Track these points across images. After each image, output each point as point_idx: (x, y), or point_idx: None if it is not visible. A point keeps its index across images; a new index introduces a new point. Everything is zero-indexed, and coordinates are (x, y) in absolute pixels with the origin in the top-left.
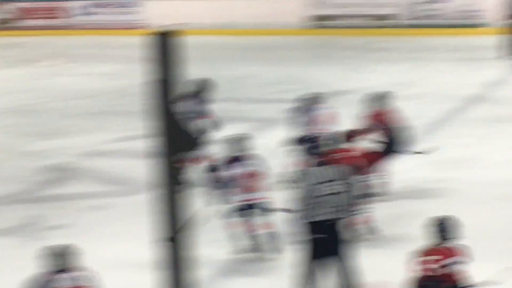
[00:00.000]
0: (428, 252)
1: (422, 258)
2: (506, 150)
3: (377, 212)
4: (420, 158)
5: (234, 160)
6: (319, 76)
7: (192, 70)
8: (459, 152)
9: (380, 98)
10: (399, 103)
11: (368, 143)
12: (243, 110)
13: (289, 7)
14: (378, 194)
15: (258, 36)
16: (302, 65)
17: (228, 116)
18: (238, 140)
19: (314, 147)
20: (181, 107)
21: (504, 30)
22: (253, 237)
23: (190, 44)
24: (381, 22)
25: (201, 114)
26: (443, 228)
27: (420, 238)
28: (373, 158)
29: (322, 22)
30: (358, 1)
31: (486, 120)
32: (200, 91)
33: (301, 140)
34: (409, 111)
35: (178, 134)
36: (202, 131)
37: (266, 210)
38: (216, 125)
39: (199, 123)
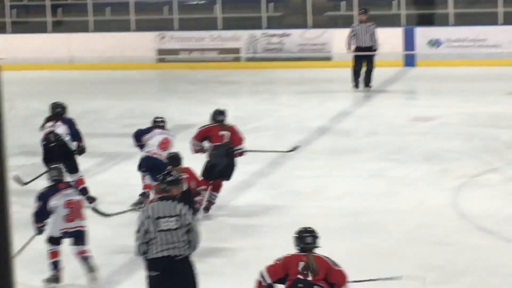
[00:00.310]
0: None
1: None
2: (352, 181)
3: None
4: (265, 190)
5: (55, 189)
6: (164, 110)
7: (35, 105)
8: (305, 184)
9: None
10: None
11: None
12: (87, 145)
13: (135, 40)
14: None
15: (102, 70)
16: (147, 99)
17: None
18: (56, 170)
19: (158, 175)
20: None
21: (351, 63)
22: (83, 263)
23: (32, 79)
24: (225, 56)
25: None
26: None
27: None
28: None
29: (167, 56)
30: (202, 35)
31: (331, 152)
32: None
33: (143, 165)
34: (254, 144)
35: None
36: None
37: (83, 238)
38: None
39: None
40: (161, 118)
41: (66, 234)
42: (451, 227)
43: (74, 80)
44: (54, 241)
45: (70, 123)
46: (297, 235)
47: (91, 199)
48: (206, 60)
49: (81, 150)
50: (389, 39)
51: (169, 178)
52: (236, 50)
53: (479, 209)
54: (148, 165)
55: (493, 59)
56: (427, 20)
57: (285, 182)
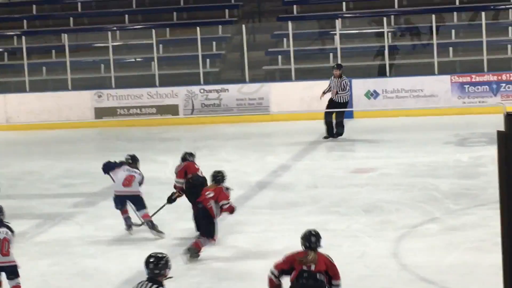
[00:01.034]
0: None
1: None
2: (293, 235)
3: None
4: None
5: None
6: None
7: None
8: (247, 239)
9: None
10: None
11: None
12: (24, 207)
13: (72, 99)
14: None
15: (39, 130)
16: (85, 159)
17: (9, 214)
18: None
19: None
20: None
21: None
22: None
23: None
24: (163, 113)
25: None
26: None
27: None
28: None
29: (105, 114)
30: (139, 92)
31: (271, 207)
32: None
33: (116, 205)
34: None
35: None
36: None
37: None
38: None
39: None
40: (130, 155)
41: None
42: (393, 278)
43: (11, 141)
44: None
45: None
46: (303, 236)
47: None
48: (144, 117)
49: None
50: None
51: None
52: (174, 107)
53: (420, 259)
54: (120, 203)
55: (430, 109)
56: (364, 72)
57: (227, 238)
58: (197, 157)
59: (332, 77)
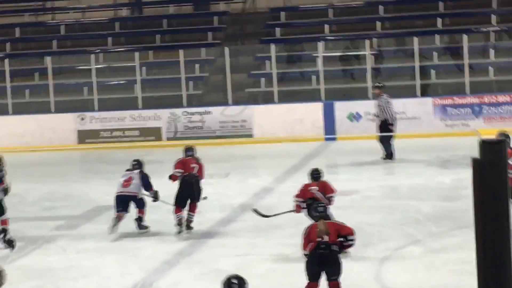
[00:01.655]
0: None
1: None
2: (275, 258)
3: None
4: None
5: None
6: (86, 192)
7: None
8: (228, 262)
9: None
10: (160, 216)
11: None
12: (12, 229)
13: (55, 122)
14: None
15: (22, 153)
16: (68, 181)
17: None
18: None
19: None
20: None
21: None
22: None
23: None
24: (146, 136)
25: None
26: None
27: None
28: None
29: (88, 137)
30: (122, 115)
31: (253, 230)
32: None
33: (117, 204)
34: (172, 224)
35: None
36: None
37: None
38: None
39: None
40: (136, 160)
41: None
42: None
43: None
44: None
45: None
46: (312, 206)
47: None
48: (127, 140)
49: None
50: (309, 114)
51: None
52: (157, 129)
53: (402, 282)
54: (119, 203)
55: (412, 131)
56: (346, 94)
57: (209, 260)
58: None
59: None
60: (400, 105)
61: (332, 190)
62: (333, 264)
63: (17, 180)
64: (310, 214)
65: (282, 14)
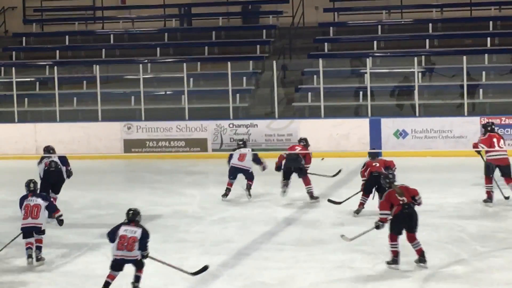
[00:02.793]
0: None
1: None
2: (318, 272)
3: None
4: (232, 281)
5: None
6: (131, 201)
7: (1, 195)
8: (272, 275)
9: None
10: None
11: None
12: (51, 236)
13: (101, 130)
14: None
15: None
16: (113, 190)
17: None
18: None
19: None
20: None
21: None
22: None
23: None
24: (192, 146)
25: None
26: None
27: None
28: None
29: (134, 146)
30: (168, 125)
31: (297, 243)
32: None
33: (230, 174)
34: (218, 236)
35: None
36: None
37: None
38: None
39: None
40: (242, 140)
41: None
42: None
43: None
44: None
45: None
46: (383, 177)
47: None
48: (173, 150)
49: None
50: (355, 129)
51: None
52: (203, 141)
53: None
54: (233, 173)
55: (459, 150)
56: (393, 111)
57: (252, 273)
58: (224, 191)
59: None
60: (447, 124)
61: (393, 164)
62: (414, 220)
63: (63, 187)
64: (382, 183)
65: (331, 29)
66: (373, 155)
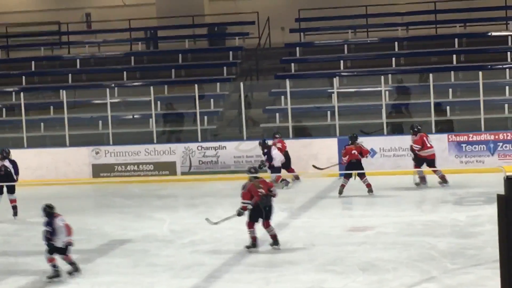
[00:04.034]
0: None
1: None
2: None
3: None
4: None
5: None
6: (100, 226)
7: None
8: None
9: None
10: (174, 250)
11: None
12: (20, 263)
13: (69, 156)
14: None
15: (37, 186)
16: (83, 215)
17: (4, 270)
18: None
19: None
20: None
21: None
22: None
23: None
24: (160, 170)
25: None
26: None
27: None
28: None
29: (103, 171)
30: (137, 149)
31: (268, 265)
32: None
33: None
34: (188, 259)
35: None
36: None
37: None
38: None
39: None
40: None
41: None
42: None
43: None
44: None
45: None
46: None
47: None
48: (141, 174)
49: None
50: (324, 149)
51: None
52: (171, 164)
53: None
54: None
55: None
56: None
57: None
58: (194, 214)
59: None
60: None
61: (367, 151)
62: (269, 209)
63: (31, 214)
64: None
65: (297, 49)
66: (353, 139)
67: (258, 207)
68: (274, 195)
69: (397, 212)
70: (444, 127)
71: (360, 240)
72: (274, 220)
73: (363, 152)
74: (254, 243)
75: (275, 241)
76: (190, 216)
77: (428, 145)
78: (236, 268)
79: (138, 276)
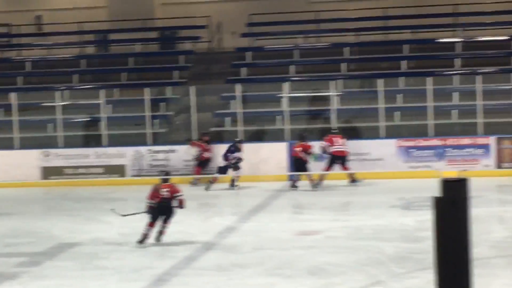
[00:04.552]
0: None
1: None
2: None
3: None
4: None
5: None
6: (49, 229)
7: None
8: None
9: None
10: (122, 254)
11: None
12: None
13: (19, 158)
14: None
15: None
16: (31, 218)
17: None
18: None
19: None
20: None
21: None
22: None
23: None
24: (110, 173)
25: None
26: None
27: None
28: None
29: (52, 173)
30: (87, 152)
31: (217, 268)
32: None
33: None
34: (138, 261)
35: None
36: None
37: None
38: None
39: None
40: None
41: None
42: None
43: None
44: None
45: None
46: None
47: None
48: (91, 177)
49: None
50: (274, 154)
51: None
52: (121, 167)
53: None
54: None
55: (376, 172)
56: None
57: None
58: (143, 217)
59: None
60: (364, 146)
61: (310, 147)
62: (169, 212)
63: None
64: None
65: (248, 54)
66: (299, 137)
67: (159, 208)
68: (179, 201)
69: (346, 216)
70: (393, 132)
71: (309, 244)
72: (222, 224)
73: (305, 148)
74: (142, 240)
75: (158, 236)
76: (139, 219)
77: (339, 142)
78: (185, 271)
79: (86, 280)
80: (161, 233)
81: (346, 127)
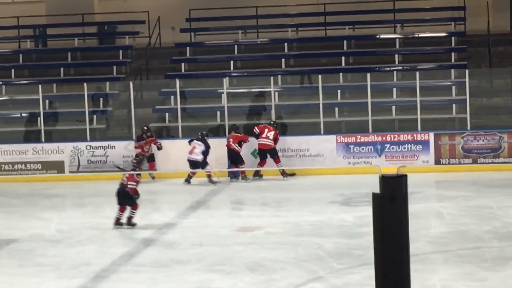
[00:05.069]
0: None
1: None
2: None
3: None
4: None
5: None
6: None
7: None
8: None
9: None
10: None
11: None
12: None
13: None
14: None
15: None
16: None
17: None
18: None
19: None
20: None
21: None
22: None
23: None
24: (48, 169)
25: None
26: None
27: None
28: None
29: None
30: (25, 148)
31: (155, 264)
32: None
33: None
34: (75, 259)
35: None
36: None
37: None
38: None
39: None
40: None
41: None
42: None
43: None
44: None
45: None
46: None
47: None
48: (29, 173)
49: None
50: (213, 150)
51: None
52: (60, 163)
53: None
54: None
55: (316, 168)
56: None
57: None
58: (82, 214)
59: None
60: (303, 142)
61: (246, 138)
62: (122, 195)
63: None
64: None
65: (188, 49)
66: (231, 129)
67: (118, 193)
68: (130, 189)
69: (285, 212)
70: (333, 128)
71: (248, 240)
72: (161, 220)
73: (240, 139)
74: (115, 222)
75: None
76: (78, 216)
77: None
78: (123, 268)
79: (24, 276)
80: (118, 219)
81: (284, 123)
